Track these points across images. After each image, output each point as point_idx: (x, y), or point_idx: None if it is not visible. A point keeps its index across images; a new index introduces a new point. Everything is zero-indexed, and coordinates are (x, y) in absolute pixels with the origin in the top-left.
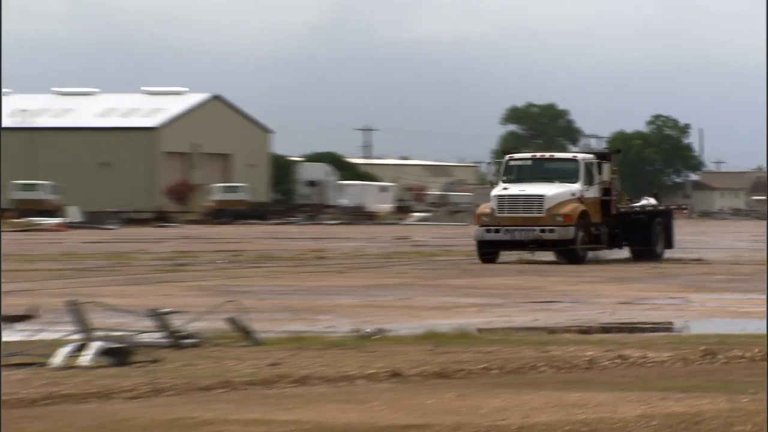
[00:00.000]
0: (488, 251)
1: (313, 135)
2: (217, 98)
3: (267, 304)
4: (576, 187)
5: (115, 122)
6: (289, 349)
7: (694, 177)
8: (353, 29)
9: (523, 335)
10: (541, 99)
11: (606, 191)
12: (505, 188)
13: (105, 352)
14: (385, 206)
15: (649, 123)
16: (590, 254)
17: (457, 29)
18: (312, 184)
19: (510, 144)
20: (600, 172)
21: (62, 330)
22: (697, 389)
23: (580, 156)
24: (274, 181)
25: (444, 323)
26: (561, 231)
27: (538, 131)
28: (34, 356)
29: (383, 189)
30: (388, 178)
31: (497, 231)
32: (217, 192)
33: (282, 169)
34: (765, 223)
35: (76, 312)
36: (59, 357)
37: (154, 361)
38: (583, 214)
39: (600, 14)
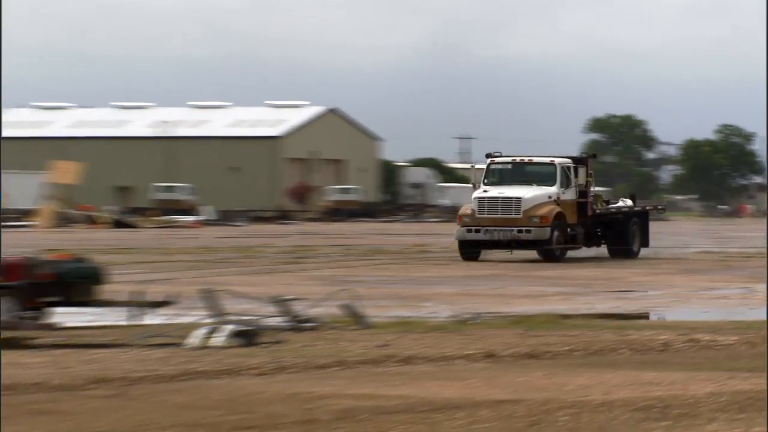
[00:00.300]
0: (469, 250)
1: (417, 142)
2: (332, 111)
3: (376, 292)
4: (553, 189)
5: (243, 132)
6: (396, 332)
7: (757, 180)
8: (452, 49)
9: (604, 321)
10: (620, 110)
11: (582, 194)
12: (485, 191)
13: (235, 334)
14: None
15: (717, 131)
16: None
17: (544, 49)
18: (416, 186)
19: (594, 149)
20: (576, 175)
21: (197, 314)
22: (762, 369)
23: (557, 160)
24: (383, 184)
25: (533, 310)
26: (537, 231)
27: (617, 139)
28: (173, 337)
29: None
30: None
31: (477, 231)
32: (332, 193)
33: (389, 172)
34: None
35: (210, 298)
36: (195, 338)
37: (278, 343)
38: (559, 216)
39: (675, 35)
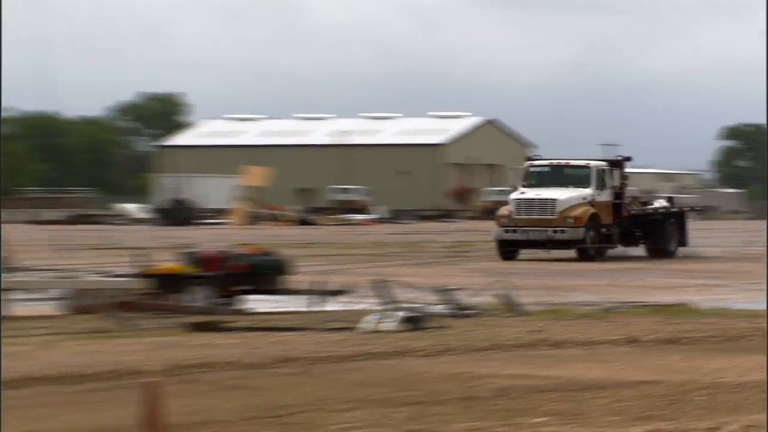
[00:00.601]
0: (507, 249)
1: (566, 149)
2: (490, 121)
3: (529, 282)
4: (587, 191)
5: (410, 140)
6: (547, 319)
7: None
8: (600, 65)
9: (738, 310)
10: (751, 119)
11: (617, 195)
12: (522, 192)
13: (403, 320)
14: None
15: None
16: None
17: (681, 63)
18: None
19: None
20: (612, 177)
21: (370, 302)
22: None
23: (592, 163)
24: None
25: (672, 299)
26: (572, 231)
27: (751, 145)
28: (349, 322)
29: None
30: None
31: (515, 231)
32: (489, 194)
33: None
34: None
35: (381, 288)
36: (368, 323)
37: (441, 328)
38: (593, 216)
39: None
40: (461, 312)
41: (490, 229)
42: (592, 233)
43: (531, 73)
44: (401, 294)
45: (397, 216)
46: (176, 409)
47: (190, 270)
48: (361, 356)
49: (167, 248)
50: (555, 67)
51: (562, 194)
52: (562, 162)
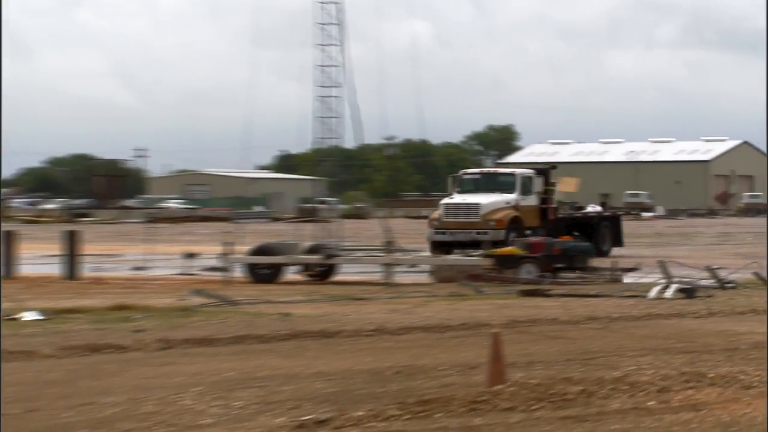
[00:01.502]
0: (440, 249)
1: None
2: (745, 142)
3: None
4: (512, 196)
5: (684, 157)
6: None
7: None
8: None
9: None
10: None
11: (544, 200)
12: (451, 198)
13: (679, 291)
14: None
15: None
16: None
17: None
18: None
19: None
20: (537, 184)
21: (654, 276)
22: None
23: (518, 171)
24: None
25: None
26: (493, 233)
27: None
28: (639, 291)
29: None
30: None
31: (443, 233)
32: (744, 198)
33: None
34: None
35: (663, 266)
36: (653, 292)
37: (709, 297)
38: (515, 219)
39: None
40: (724, 285)
41: (746, 225)
42: (513, 235)
43: None
44: (678, 271)
45: (673, 214)
46: (512, 351)
47: (521, 252)
48: (648, 317)
49: None
50: None
51: (485, 199)
52: (491, 170)
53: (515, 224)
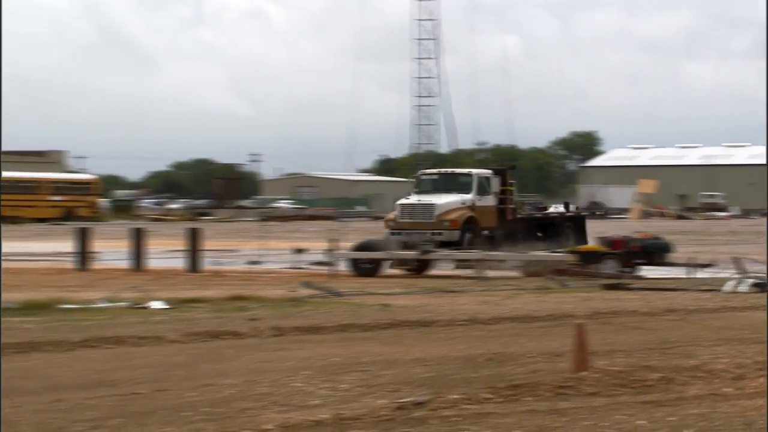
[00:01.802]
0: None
1: None
2: None
3: None
4: (467, 197)
5: (757, 161)
6: None
7: None
8: None
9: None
10: None
11: (502, 201)
12: (407, 198)
13: (754, 285)
14: None
15: None
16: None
17: None
18: None
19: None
20: (494, 184)
21: (729, 272)
22: None
23: (474, 171)
24: None
25: None
26: (448, 234)
27: None
28: (714, 286)
29: None
30: None
31: (399, 233)
32: None
33: None
34: None
35: (737, 262)
36: (728, 286)
37: None
38: (470, 220)
39: None
40: None
41: None
42: (468, 235)
43: None
44: (752, 266)
45: (747, 213)
46: (596, 340)
47: (603, 248)
48: (723, 309)
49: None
50: None
51: (440, 199)
52: (448, 171)
53: (470, 224)
